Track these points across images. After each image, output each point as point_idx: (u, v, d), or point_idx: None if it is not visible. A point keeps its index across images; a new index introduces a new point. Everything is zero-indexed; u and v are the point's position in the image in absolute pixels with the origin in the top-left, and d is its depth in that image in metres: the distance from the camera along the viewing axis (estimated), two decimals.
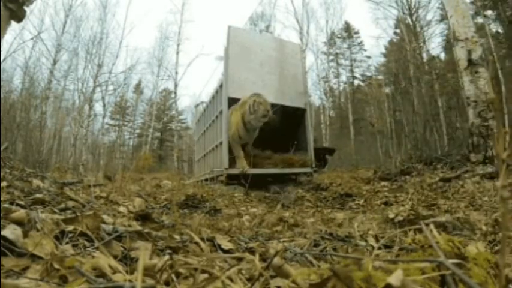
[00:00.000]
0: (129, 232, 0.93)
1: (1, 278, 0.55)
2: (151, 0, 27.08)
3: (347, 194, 3.61)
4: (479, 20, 12.72)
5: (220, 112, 5.20)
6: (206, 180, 5.84)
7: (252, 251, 1.03)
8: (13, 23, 2.44)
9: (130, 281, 0.56)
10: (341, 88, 22.62)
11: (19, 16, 2.36)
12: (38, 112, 11.82)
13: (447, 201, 2.63)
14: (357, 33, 22.67)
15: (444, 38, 14.89)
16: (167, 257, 0.64)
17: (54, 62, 14.68)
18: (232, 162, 4.91)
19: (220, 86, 5.37)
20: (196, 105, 9.93)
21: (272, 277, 0.60)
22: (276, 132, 5.07)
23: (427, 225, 0.79)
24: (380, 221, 1.95)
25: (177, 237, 1.03)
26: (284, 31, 19.93)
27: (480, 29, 10.29)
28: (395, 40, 18.22)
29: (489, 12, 13.69)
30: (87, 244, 0.81)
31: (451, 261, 0.51)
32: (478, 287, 0.43)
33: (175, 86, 20.18)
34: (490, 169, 3.96)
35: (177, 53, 20.13)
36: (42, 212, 1.01)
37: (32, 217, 0.85)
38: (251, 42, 5.45)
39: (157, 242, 0.94)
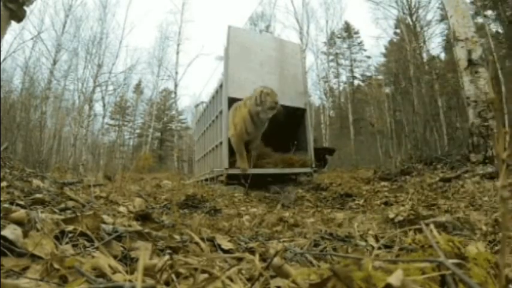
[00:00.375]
0: (129, 232, 0.93)
1: (1, 278, 0.55)
2: (151, 0, 27.10)
3: (347, 194, 3.61)
4: (479, 20, 12.72)
5: (220, 112, 5.20)
6: (206, 180, 5.84)
7: (252, 251, 1.03)
8: (13, 23, 2.44)
9: (130, 281, 0.56)
10: (341, 88, 22.63)
11: (19, 16, 2.36)
12: (38, 112, 11.82)
13: (447, 201, 2.63)
14: (357, 33, 22.69)
15: (444, 38, 14.90)
16: (167, 257, 0.64)
17: (54, 62, 14.68)
18: (233, 161, 4.79)
19: (220, 86, 5.37)
20: (196, 105, 9.94)
21: (272, 277, 0.60)
22: (276, 132, 5.07)
23: (427, 225, 0.79)
24: (380, 221, 1.95)
25: (177, 237, 1.03)
26: (284, 31, 19.96)
27: (480, 29, 10.29)
28: (395, 40, 18.23)
29: (489, 12, 13.69)
30: (87, 244, 0.81)
31: (451, 261, 0.51)
32: (478, 287, 0.43)
33: (175, 86, 20.19)
34: (490, 169, 3.96)
35: (177, 53, 20.15)
36: (42, 212, 1.01)
37: (32, 217, 0.85)
38: (251, 42, 5.45)
39: (157, 242, 0.94)
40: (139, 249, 0.83)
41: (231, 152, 4.83)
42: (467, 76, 4.82)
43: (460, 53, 4.93)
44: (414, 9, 14.11)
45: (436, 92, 11.96)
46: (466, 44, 4.85)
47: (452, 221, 1.60)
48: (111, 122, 22.48)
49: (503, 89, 10.31)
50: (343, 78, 22.32)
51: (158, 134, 24.35)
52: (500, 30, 13.70)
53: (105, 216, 1.09)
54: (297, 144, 5.20)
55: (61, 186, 2.43)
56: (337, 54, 21.85)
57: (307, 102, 5.85)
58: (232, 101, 4.96)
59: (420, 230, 0.78)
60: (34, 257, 0.67)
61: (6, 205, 1.03)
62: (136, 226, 1.13)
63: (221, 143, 5.07)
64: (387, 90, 16.52)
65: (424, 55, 13.94)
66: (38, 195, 1.41)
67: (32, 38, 13.48)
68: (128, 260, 0.79)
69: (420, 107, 10.60)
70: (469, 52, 4.78)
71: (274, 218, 2.05)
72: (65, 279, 0.59)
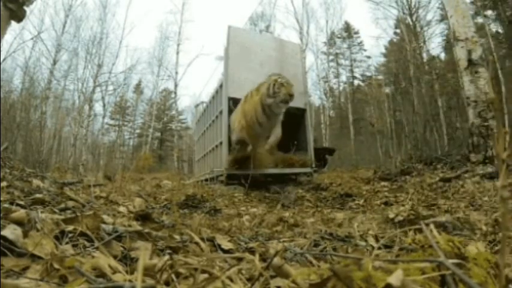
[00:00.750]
0: (129, 232, 0.93)
1: (1, 278, 0.55)
2: (151, 0, 27.07)
3: (347, 194, 3.60)
4: (479, 20, 12.71)
5: (220, 112, 5.20)
6: (206, 180, 5.84)
7: (252, 251, 1.03)
8: (13, 23, 2.44)
9: (130, 281, 0.56)
10: (341, 88, 22.62)
11: (19, 16, 2.37)
12: (38, 112, 11.82)
13: (447, 201, 2.63)
14: (357, 33, 22.68)
15: (444, 38, 14.89)
16: (167, 257, 0.64)
17: (54, 62, 14.68)
18: (241, 159, 4.48)
19: (220, 86, 5.37)
20: (196, 105, 9.94)
21: (272, 277, 0.60)
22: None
23: (427, 225, 0.79)
24: (380, 221, 1.95)
25: (177, 237, 1.03)
26: (284, 31, 19.92)
27: (480, 29, 10.29)
28: (395, 40, 18.22)
29: (489, 12, 13.69)
30: (87, 244, 0.81)
31: (451, 261, 0.51)
32: (478, 287, 0.43)
33: (175, 86, 20.19)
34: (490, 169, 3.96)
35: (177, 53, 20.15)
36: (42, 212, 1.01)
37: (32, 217, 0.85)
38: (251, 42, 5.45)
39: (157, 242, 0.94)
40: (139, 249, 0.83)
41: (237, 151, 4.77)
42: (467, 76, 4.82)
43: (460, 53, 4.93)
44: (414, 9, 14.11)
45: (436, 92, 11.96)
46: (466, 44, 4.85)
47: (452, 221, 1.60)
48: (111, 122, 22.48)
49: (503, 89, 10.31)
50: (343, 78, 22.33)
51: (158, 134, 24.34)
52: (500, 30, 13.70)
53: (105, 216, 1.09)
54: (297, 144, 5.20)
55: (61, 186, 2.43)
56: (337, 54, 21.85)
57: (307, 102, 5.85)
58: (232, 101, 4.96)
59: (420, 230, 0.78)
60: (34, 257, 0.67)
61: (6, 205, 1.03)
62: (136, 226, 1.13)
63: (221, 143, 5.07)
64: (387, 90, 16.53)
65: (424, 55, 13.94)
66: (38, 195, 1.41)
67: (32, 38, 13.49)
68: (128, 260, 0.79)
69: (420, 107, 10.60)
70: (469, 52, 4.78)
71: (274, 218, 2.05)
72: (65, 279, 0.59)
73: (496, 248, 1.22)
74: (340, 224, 1.98)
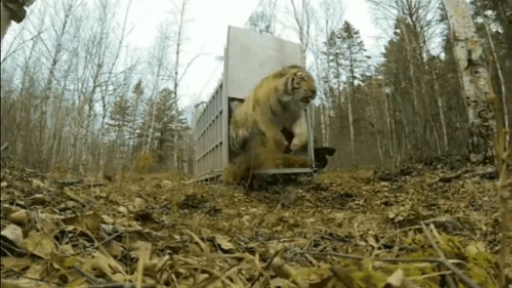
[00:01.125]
0: (129, 232, 0.93)
1: (1, 278, 0.55)
2: (151, 0, 27.07)
3: (347, 194, 3.60)
4: (479, 20, 12.71)
5: (220, 112, 5.20)
6: (206, 180, 5.84)
7: (252, 251, 1.03)
8: (13, 23, 2.44)
9: (130, 281, 0.56)
10: (341, 88, 22.63)
11: (19, 16, 2.36)
12: (38, 112, 11.82)
13: (447, 201, 2.63)
14: (357, 33, 22.68)
15: (444, 38, 14.89)
16: (167, 257, 0.64)
17: (54, 62, 14.67)
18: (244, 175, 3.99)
19: (220, 86, 5.36)
20: (196, 105, 9.93)
21: (272, 277, 0.60)
22: None
23: (427, 225, 0.79)
24: (380, 221, 1.95)
25: (177, 237, 1.03)
26: (284, 31, 19.91)
27: (480, 29, 10.29)
28: (395, 40, 18.22)
29: (489, 12, 13.69)
30: (87, 244, 0.81)
31: (451, 261, 0.51)
32: (478, 287, 0.43)
33: (175, 86, 20.18)
34: (490, 169, 3.96)
35: (177, 53, 20.14)
36: (42, 212, 1.01)
37: (32, 217, 0.85)
38: (251, 42, 5.44)
39: (157, 242, 0.94)
40: (139, 249, 0.83)
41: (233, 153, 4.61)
42: (467, 76, 4.82)
43: (460, 53, 4.93)
44: (414, 9, 14.10)
45: (436, 92, 11.96)
46: (466, 44, 4.85)
47: (452, 221, 1.60)
48: (111, 122, 22.49)
49: (503, 89, 10.31)
50: (343, 78, 22.33)
51: (158, 134, 24.35)
52: (500, 30, 13.70)
53: (105, 216, 1.09)
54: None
55: (61, 186, 2.43)
56: (337, 54, 21.86)
57: None
58: (232, 101, 4.95)
59: (420, 230, 0.78)
60: (34, 257, 0.67)
61: (6, 205, 1.03)
62: (136, 226, 1.13)
63: (221, 143, 5.07)
64: (387, 90, 16.52)
65: (424, 55, 13.94)
66: (38, 195, 1.41)
67: (32, 38, 13.48)
68: (128, 260, 0.79)
69: (420, 107, 10.60)
70: (469, 52, 4.78)
71: (274, 218, 2.05)
72: (65, 279, 0.59)
73: (496, 248, 1.22)
74: (340, 224, 1.98)
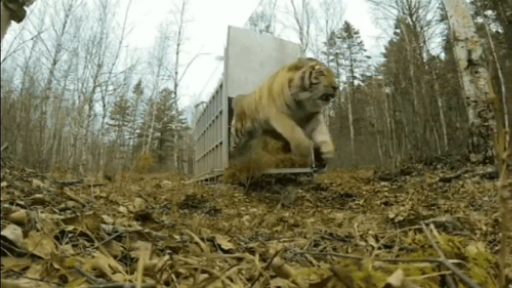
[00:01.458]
0: (129, 232, 0.93)
1: (1, 278, 0.55)
2: (151, 0, 27.06)
3: (347, 194, 3.61)
4: (479, 20, 12.71)
5: (220, 112, 5.19)
6: (206, 180, 5.84)
7: (252, 251, 1.03)
8: (13, 23, 2.44)
9: (130, 281, 0.56)
10: (341, 88, 22.61)
11: (19, 16, 2.36)
12: (38, 112, 11.82)
13: (447, 201, 2.63)
14: (357, 33, 22.68)
15: (444, 38, 14.88)
16: (167, 257, 0.64)
17: (54, 62, 14.67)
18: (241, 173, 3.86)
19: (220, 86, 5.36)
20: (196, 105, 9.92)
21: (272, 277, 0.60)
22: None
23: (427, 225, 0.79)
24: (380, 221, 1.95)
25: (177, 237, 1.03)
26: (284, 31, 19.89)
27: (480, 29, 10.29)
28: (395, 40, 18.22)
29: (489, 12, 13.69)
30: (87, 244, 0.81)
31: (451, 261, 0.51)
32: (478, 287, 0.43)
33: (175, 86, 20.19)
34: (490, 169, 3.96)
35: (177, 53, 20.14)
36: (42, 212, 1.01)
37: (32, 217, 0.85)
38: (251, 42, 5.44)
39: (157, 242, 0.94)
40: (139, 249, 0.83)
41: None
42: (467, 76, 4.82)
43: (460, 53, 4.93)
44: (414, 9, 14.10)
45: (436, 92, 11.96)
46: (466, 44, 4.85)
47: (452, 221, 1.60)
48: (111, 122, 22.48)
49: (503, 89, 10.31)
50: (343, 78, 22.31)
51: (158, 134, 24.35)
52: (500, 30, 13.70)
53: (105, 216, 1.09)
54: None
55: (61, 186, 2.43)
56: (337, 54, 21.86)
57: None
58: (232, 101, 4.95)
59: (420, 230, 0.78)
60: (34, 257, 0.67)
61: (6, 205, 1.03)
62: (136, 226, 1.13)
63: (221, 143, 5.06)
64: (387, 90, 16.51)
65: (424, 55, 13.93)
66: (38, 195, 1.41)
67: (32, 38, 13.48)
68: (128, 260, 0.79)
69: (420, 107, 10.60)
70: (469, 52, 4.79)
71: (274, 218, 2.05)
72: (65, 279, 0.59)
73: (496, 248, 1.22)
74: (340, 224, 1.98)
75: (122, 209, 1.64)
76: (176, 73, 20.09)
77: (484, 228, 1.55)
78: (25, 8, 2.39)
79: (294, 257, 0.91)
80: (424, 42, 14.20)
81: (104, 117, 18.19)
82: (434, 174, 4.40)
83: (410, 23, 14.15)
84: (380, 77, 19.82)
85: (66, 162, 12.42)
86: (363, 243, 1.33)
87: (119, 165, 15.32)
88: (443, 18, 13.00)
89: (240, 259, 0.74)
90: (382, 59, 21.11)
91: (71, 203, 1.44)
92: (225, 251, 1.02)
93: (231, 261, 0.76)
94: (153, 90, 21.67)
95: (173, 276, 0.57)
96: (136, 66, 18.67)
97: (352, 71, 22.30)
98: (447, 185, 3.58)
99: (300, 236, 1.49)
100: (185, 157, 21.91)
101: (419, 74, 12.05)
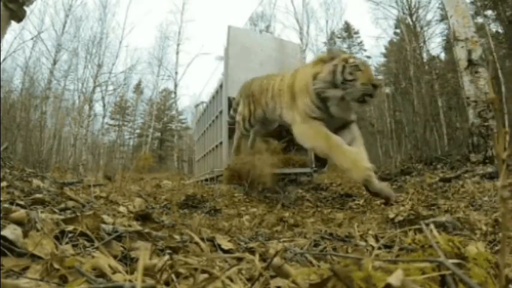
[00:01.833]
0: (129, 232, 0.93)
1: (1, 278, 0.55)
2: (151, 0, 27.06)
3: (347, 194, 3.61)
4: (479, 20, 12.71)
5: (220, 112, 5.19)
6: (206, 180, 5.84)
7: (252, 251, 1.03)
8: (13, 23, 2.44)
9: (130, 281, 0.56)
10: None
11: (19, 16, 2.36)
12: (38, 112, 11.82)
13: (447, 201, 2.63)
14: (357, 33, 22.68)
15: (444, 38, 14.88)
16: (167, 257, 0.64)
17: (54, 62, 14.67)
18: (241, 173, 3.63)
19: (220, 86, 5.37)
20: (196, 105, 9.93)
21: (272, 277, 0.60)
22: (276, 132, 5.06)
23: (427, 225, 0.79)
24: (380, 221, 1.95)
25: (177, 237, 1.03)
26: (284, 31, 19.89)
27: (480, 29, 10.28)
28: (395, 40, 18.21)
29: (489, 12, 13.69)
30: (87, 244, 0.81)
31: (451, 261, 0.51)
32: (478, 287, 0.43)
33: (175, 86, 20.19)
34: (490, 169, 3.96)
35: (177, 53, 20.14)
36: (42, 212, 1.01)
37: (32, 217, 0.85)
38: (251, 42, 5.45)
39: (157, 242, 0.94)
40: (139, 249, 0.83)
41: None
42: (467, 76, 4.82)
43: (460, 53, 4.93)
44: (414, 9, 14.10)
45: (436, 92, 11.96)
46: (466, 44, 4.85)
47: (452, 221, 1.60)
48: (111, 122, 22.48)
49: (503, 89, 10.31)
50: None
51: (158, 134, 24.35)
52: (500, 30, 13.70)
53: (105, 216, 1.09)
54: (297, 144, 5.19)
55: (61, 186, 2.43)
56: None
57: None
58: (232, 101, 4.95)
59: (420, 230, 0.78)
60: (34, 257, 0.67)
61: (6, 205, 1.03)
62: (136, 226, 1.13)
63: (221, 143, 5.06)
64: (387, 90, 16.51)
65: (424, 55, 13.93)
66: (38, 195, 1.41)
67: (32, 38, 13.48)
68: (128, 260, 0.79)
69: (420, 107, 10.60)
70: (469, 52, 4.79)
71: (274, 218, 2.05)
72: (65, 279, 0.59)
73: (496, 248, 1.22)
74: (340, 224, 1.98)
75: (122, 209, 1.64)
76: (176, 73, 20.11)
77: (484, 228, 1.55)
78: (25, 8, 2.39)
79: (294, 257, 0.91)
80: (424, 42, 14.20)
81: (104, 117, 18.21)
82: (434, 174, 4.40)
83: (410, 23, 14.15)
84: (380, 77, 19.81)
85: (66, 162, 12.42)
86: (363, 243, 1.33)
87: (119, 165, 15.33)
88: (443, 18, 13.00)
89: (240, 259, 0.74)
90: (382, 59, 21.11)
91: (71, 203, 1.44)
92: (225, 251, 1.02)
93: (231, 261, 0.76)
94: (153, 90, 21.69)
95: (173, 276, 0.57)
96: (136, 66, 18.70)
97: None
98: (447, 185, 3.58)
99: (300, 236, 1.49)
100: (185, 157, 21.91)
101: (419, 74, 12.05)
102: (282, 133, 4.61)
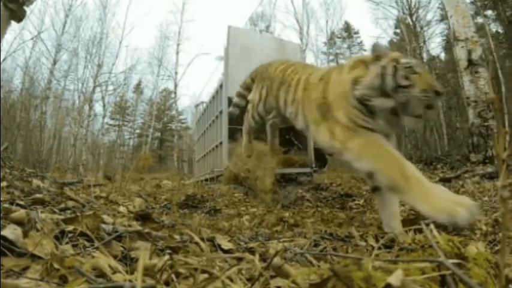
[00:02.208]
0: (129, 232, 0.93)
1: (1, 278, 0.55)
2: (151, 0, 27.07)
3: (347, 194, 3.61)
4: (479, 20, 12.72)
5: (220, 112, 5.20)
6: (206, 180, 5.84)
7: (252, 251, 1.02)
8: (13, 23, 2.44)
9: (130, 281, 0.56)
10: None
11: (19, 16, 2.36)
12: (38, 112, 11.83)
13: None
14: (357, 33, 22.68)
15: (444, 38, 14.89)
16: (167, 257, 0.64)
17: (54, 62, 14.68)
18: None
19: (220, 86, 5.37)
20: (196, 105, 9.93)
21: (272, 277, 0.60)
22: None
23: (427, 225, 0.79)
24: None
25: (177, 237, 1.03)
26: (284, 31, 19.91)
27: (480, 29, 10.29)
28: (395, 40, 18.22)
29: (489, 12, 13.69)
30: (87, 244, 0.81)
31: (451, 261, 0.51)
32: (478, 287, 0.43)
33: (175, 86, 20.20)
34: (490, 169, 3.96)
35: (177, 53, 20.15)
36: (42, 212, 1.01)
37: (32, 217, 0.85)
38: (251, 42, 5.45)
39: (157, 242, 0.94)
40: (139, 249, 0.83)
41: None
42: (467, 76, 4.82)
43: (460, 53, 4.93)
44: (414, 9, 14.11)
45: None
46: (466, 44, 4.85)
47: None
48: (111, 122, 22.49)
49: (503, 89, 10.31)
50: None
51: (158, 134, 24.35)
52: (500, 30, 13.70)
53: (105, 216, 1.09)
54: (297, 144, 5.19)
55: (61, 186, 2.43)
56: (337, 54, 21.85)
57: None
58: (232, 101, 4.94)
59: (420, 230, 0.78)
60: (34, 257, 0.67)
61: (6, 205, 1.03)
62: (136, 226, 1.13)
63: (221, 143, 5.07)
64: None
65: (424, 55, 13.94)
66: (38, 195, 1.41)
67: (32, 38, 13.49)
68: (128, 260, 0.78)
69: None
70: (469, 52, 4.79)
71: (274, 218, 2.05)
72: (65, 279, 0.59)
73: (496, 248, 1.22)
74: (340, 224, 1.98)
75: (122, 209, 1.64)
76: (176, 73, 20.12)
77: (484, 228, 1.55)
78: (25, 8, 2.39)
79: (294, 257, 0.91)
80: (424, 42, 14.21)
81: (104, 117, 18.23)
82: (434, 174, 4.40)
83: (410, 23, 14.16)
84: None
85: (66, 162, 12.43)
86: (363, 243, 1.33)
87: (119, 165, 15.34)
88: (443, 18, 13.00)
89: (240, 259, 0.74)
90: None
91: (71, 203, 1.44)
92: (225, 251, 1.02)
93: (231, 261, 0.76)
94: (153, 90, 21.70)
95: (173, 276, 0.57)
96: (136, 66, 18.72)
97: None
98: (447, 185, 3.58)
99: (300, 236, 1.49)
100: (185, 157, 21.91)
101: None
102: (283, 133, 4.55)
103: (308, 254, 0.90)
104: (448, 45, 12.89)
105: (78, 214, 0.95)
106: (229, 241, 1.12)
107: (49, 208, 1.25)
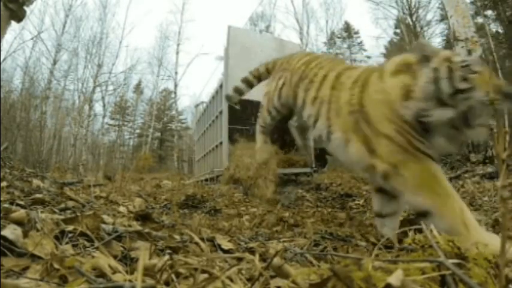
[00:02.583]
0: (129, 232, 0.93)
1: (1, 278, 0.55)
2: (151, 0, 27.07)
3: (347, 194, 3.61)
4: (479, 20, 12.72)
5: (220, 112, 5.20)
6: (206, 180, 5.84)
7: (252, 251, 1.03)
8: (13, 23, 2.44)
9: (130, 281, 0.56)
10: None
11: (19, 16, 2.37)
12: (38, 112, 11.83)
13: None
14: (357, 33, 22.67)
15: (444, 38, 14.89)
16: (167, 257, 0.64)
17: (54, 62, 14.69)
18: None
19: (220, 86, 5.37)
20: (196, 105, 9.93)
21: (272, 277, 0.60)
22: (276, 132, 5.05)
23: (427, 225, 0.79)
24: None
25: (177, 237, 1.03)
26: (284, 31, 19.90)
27: (480, 29, 10.29)
28: (395, 40, 18.22)
29: (489, 12, 13.70)
30: (87, 244, 0.81)
31: (451, 261, 0.51)
32: (478, 287, 0.43)
33: (175, 86, 20.23)
34: (490, 169, 3.96)
35: (177, 53, 20.16)
36: (42, 212, 1.01)
37: (32, 217, 0.85)
38: (251, 43, 5.45)
39: (157, 242, 0.94)
40: (139, 249, 0.83)
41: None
42: None
43: (460, 53, 4.93)
44: (414, 9, 14.12)
45: None
46: (466, 44, 4.85)
47: None
48: (111, 122, 22.48)
49: None
50: None
51: (158, 134, 24.35)
52: (500, 30, 13.71)
53: (105, 216, 1.09)
54: (297, 144, 5.19)
55: (61, 186, 2.43)
56: (337, 54, 21.86)
57: None
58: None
59: (420, 230, 0.78)
60: (34, 257, 0.67)
61: (6, 205, 1.03)
62: (136, 226, 1.13)
63: (221, 143, 5.07)
64: None
65: None
66: (38, 195, 1.41)
67: (32, 38, 13.50)
68: (128, 260, 0.79)
69: None
70: (469, 52, 4.79)
71: (274, 218, 2.04)
72: (65, 279, 0.59)
73: None
74: (340, 224, 1.98)
75: (122, 209, 1.64)
76: (176, 73, 20.13)
77: (484, 228, 1.55)
78: (25, 8, 2.39)
79: (294, 257, 0.91)
80: None
81: (104, 117, 18.25)
82: None
83: (410, 23, 14.17)
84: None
85: (66, 162, 12.43)
86: (363, 243, 1.33)
87: (119, 165, 15.34)
88: (443, 18, 13.00)
89: (240, 259, 0.74)
90: (382, 59, 21.12)
91: (71, 203, 1.44)
92: (225, 251, 1.02)
93: (231, 261, 0.76)
94: (153, 90, 21.71)
95: (173, 276, 0.57)
96: (136, 66, 18.75)
97: None
98: None
99: (300, 236, 1.49)
100: (185, 157, 21.91)
101: None
102: (285, 138, 4.39)
103: (308, 254, 0.90)
104: (448, 45, 12.88)
105: (78, 214, 0.95)
106: (229, 241, 1.12)
107: (49, 208, 1.25)
